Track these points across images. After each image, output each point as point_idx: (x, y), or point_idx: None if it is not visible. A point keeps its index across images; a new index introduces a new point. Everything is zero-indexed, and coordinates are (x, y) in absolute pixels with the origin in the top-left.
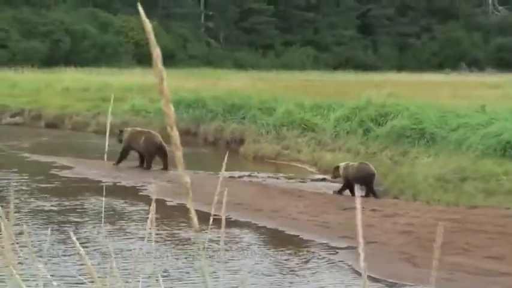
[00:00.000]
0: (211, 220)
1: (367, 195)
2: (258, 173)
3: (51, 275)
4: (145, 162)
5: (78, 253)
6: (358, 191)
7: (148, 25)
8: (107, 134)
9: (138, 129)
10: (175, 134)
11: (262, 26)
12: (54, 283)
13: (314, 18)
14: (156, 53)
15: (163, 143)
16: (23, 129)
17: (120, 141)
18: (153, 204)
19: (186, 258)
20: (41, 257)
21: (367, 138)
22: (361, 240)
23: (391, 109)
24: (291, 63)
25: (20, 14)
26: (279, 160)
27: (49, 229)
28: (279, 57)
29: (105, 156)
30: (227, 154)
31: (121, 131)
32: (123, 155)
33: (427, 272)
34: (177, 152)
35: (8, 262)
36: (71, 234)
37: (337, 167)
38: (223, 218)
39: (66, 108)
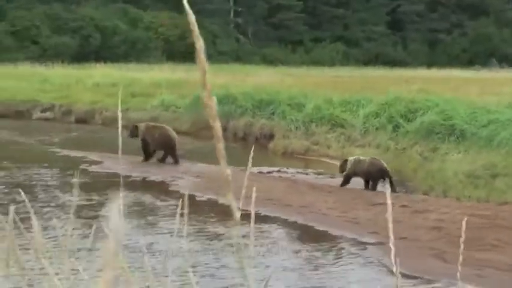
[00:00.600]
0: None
1: (373, 189)
2: (287, 168)
3: (84, 270)
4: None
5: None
6: (387, 187)
7: (192, 16)
8: (119, 129)
9: (153, 124)
10: (217, 126)
11: (291, 22)
12: (86, 277)
13: (344, 14)
14: (200, 44)
15: (176, 138)
16: (53, 125)
17: (133, 136)
18: (186, 200)
19: (215, 253)
20: (72, 251)
21: (396, 134)
22: (391, 235)
23: (421, 105)
24: (321, 59)
25: (51, 10)
26: (308, 156)
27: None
28: (309, 53)
29: (119, 152)
30: (253, 149)
31: (135, 126)
32: (144, 150)
33: (456, 268)
34: (219, 144)
35: (39, 256)
36: (104, 227)
37: (346, 161)
38: (253, 213)
39: (96, 103)
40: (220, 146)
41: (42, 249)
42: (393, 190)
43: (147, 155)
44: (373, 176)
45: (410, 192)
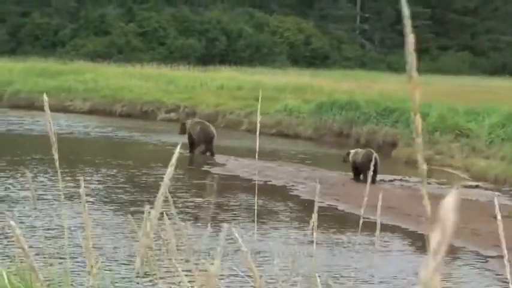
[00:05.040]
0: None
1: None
2: (410, 177)
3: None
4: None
5: (239, 250)
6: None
7: (406, 10)
8: (257, 133)
9: (196, 120)
10: (417, 120)
11: (418, 30)
12: (216, 279)
13: (472, 22)
14: (411, 59)
15: (215, 133)
16: (177, 125)
17: (182, 133)
18: (316, 209)
19: (337, 258)
20: (197, 253)
21: None
22: (505, 250)
23: None
24: (446, 68)
25: (179, 13)
26: (430, 165)
27: (208, 225)
28: (434, 61)
29: (256, 155)
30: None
31: (183, 124)
32: (190, 144)
33: None
34: (418, 139)
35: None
36: (233, 231)
37: (348, 153)
38: (378, 221)
39: (220, 106)
40: (419, 140)
41: (174, 249)
42: (373, 181)
43: (192, 147)
44: (366, 166)
45: None
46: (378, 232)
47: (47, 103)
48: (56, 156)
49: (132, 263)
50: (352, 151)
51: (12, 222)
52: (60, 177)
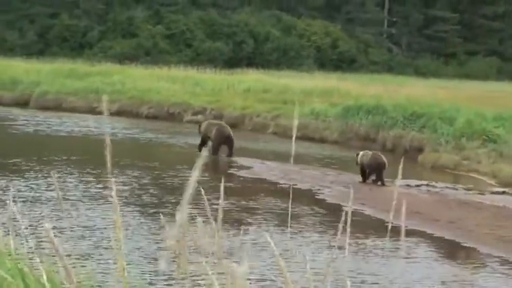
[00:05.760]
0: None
1: (375, 181)
2: (436, 182)
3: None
4: (212, 148)
5: (273, 255)
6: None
7: None
8: (293, 138)
9: (212, 121)
10: None
11: (446, 34)
12: (247, 282)
13: (500, 27)
14: None
15: (231, 134)
16: None
17: (200, 133)
18: (349, 215)
19: (363, 263)
20: (227, 254)
21: None
22: None
23: None
24: (474, 73)
25: (206, 16)
26: (457, 171)
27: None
28: (462, 66)
29: (292, 160)
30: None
31: (199, 125)
32: (202, 143)
33: None
34: None
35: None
36: (267, 235)
37: (357, 155)
38: (403, 226)
39: (247, 109)
40: None
41: (206, 251)
42: (382, 183)
43: (201, 146)
44: (372, 168)
45: None
46: (402, 237)
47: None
48: (109, 157)
49: (157, 264)
50: (361, 153)
51: (47, 225)
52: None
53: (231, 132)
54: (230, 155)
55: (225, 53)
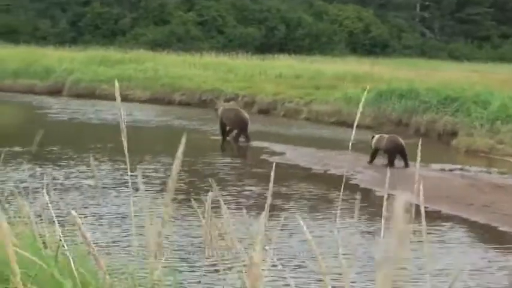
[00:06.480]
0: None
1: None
2: (470, 166)
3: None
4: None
5: (306, 239)
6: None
7: None
8: (354, 126)
9: (229, 106)
10: None
11: (479, 17)
12: (279, 266)
13: None
14: None
15: (248, 119)
16: None
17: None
18: (385, 201)
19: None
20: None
21: None
22: None
23: None
24: (508, 56)
25: (238, 1)
26: (492, 154)
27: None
28: (496, 49)
29: (349, 147)
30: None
31: (216, 110)
32: (221, 129)
33: None
34: None
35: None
36: (300, 220)
37: (372, 137)
38: (423, 210)
39: (279, 95)
40: None
41: (235, 238)
42: (406, 165)
43: (224, 133)
44: (390, 151)
45: None
46: (423, 221)
47: (117, 90)
48: (125, 144)
49: (189, 252)
50: (377, 136)
51: (73, 212)
52: (128, 165)
53: (248, 117)
54: (247, 139)
55: (257, 38)
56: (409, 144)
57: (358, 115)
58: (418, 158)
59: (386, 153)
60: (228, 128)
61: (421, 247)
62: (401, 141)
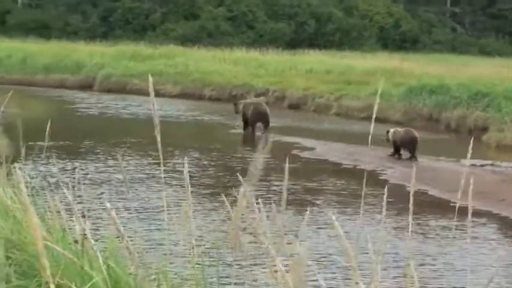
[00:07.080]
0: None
1: (410, 158)
2: (501, 162)
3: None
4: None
5: (336, 235)
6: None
7: None
8: (372, 120)
9: (249, 100)
10: None
11: (511, 13)
12: (309, 262)
13: None
14: None
15: (268, 112)
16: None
17: (236, 112)
18: (411, 198)
19: (428, 244)
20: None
21: None
22: None
23: None
24: None
25: None
26: None
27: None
28: None
29: (369, 141)
30: (471, 142)
31: (235, 104)
32: (244, 123)
33: None
34: None
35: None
36: (331, 215)
37: (388, 132)
38: (470, 207)
39: (309, 90)
40: None
41: (264, 231)
42: (413, 158)
43: (246, 126)
44: (405, 143)
45: None
46: (469, 218)
47: (152, 84)
48: (159, 138)
49: (219, 247)
50: (392, 130)
51: (108, 204)
52: (162, 159)
53: (267, 110)
54: (264, 131)
55: (287, 34)
56: (440, 141)
57: (376, 108)
58: (469, 155)
59: (402, 146)
60: (249, 121)
61: (453, 243)
62: (416, 134)
